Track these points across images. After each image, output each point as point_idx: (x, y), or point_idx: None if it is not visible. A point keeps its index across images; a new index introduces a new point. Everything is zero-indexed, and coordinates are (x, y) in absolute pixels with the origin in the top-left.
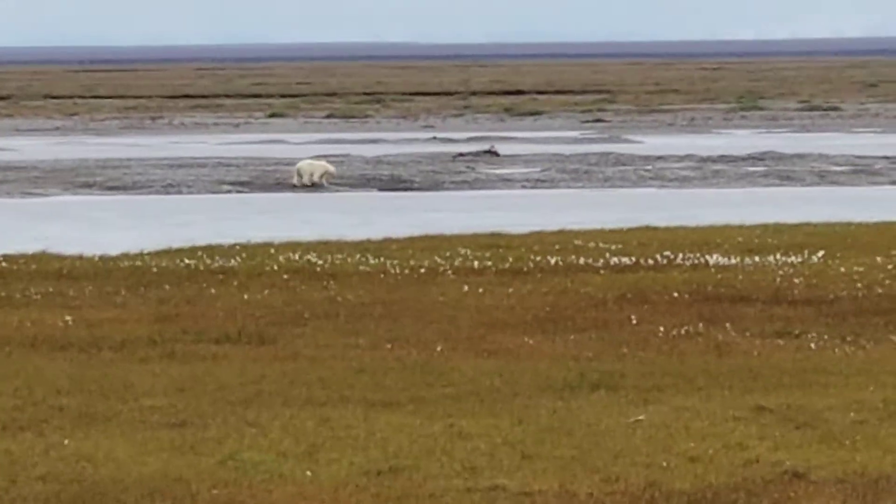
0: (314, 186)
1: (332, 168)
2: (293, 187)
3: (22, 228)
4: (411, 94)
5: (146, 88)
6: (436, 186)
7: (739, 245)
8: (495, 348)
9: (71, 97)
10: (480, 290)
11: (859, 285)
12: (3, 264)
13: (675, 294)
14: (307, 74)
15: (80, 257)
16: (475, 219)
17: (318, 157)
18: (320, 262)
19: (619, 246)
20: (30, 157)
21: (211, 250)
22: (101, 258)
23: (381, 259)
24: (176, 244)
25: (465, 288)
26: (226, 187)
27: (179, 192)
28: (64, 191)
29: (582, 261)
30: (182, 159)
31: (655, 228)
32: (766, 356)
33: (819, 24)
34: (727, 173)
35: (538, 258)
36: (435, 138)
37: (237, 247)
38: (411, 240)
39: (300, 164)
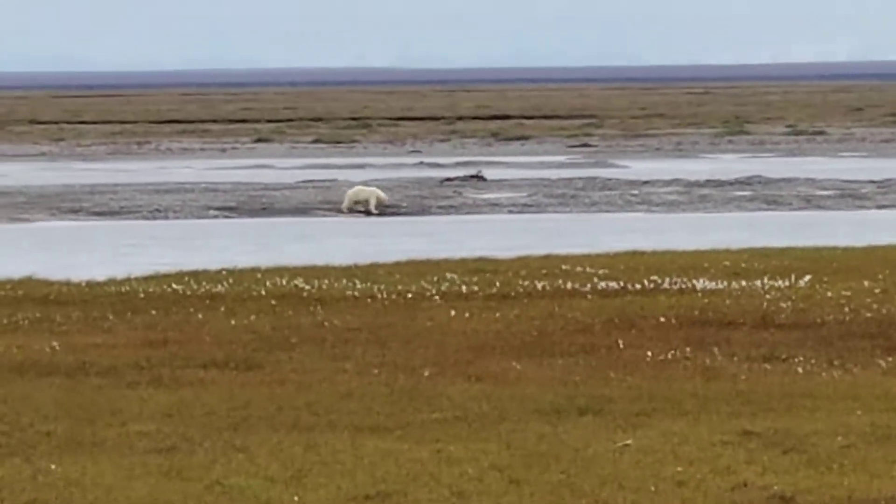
0: (366, 213)
1: (382, 194)
2: (340, 212)
3: (8, 254)
4: (398, 118)
5: (132, 114)
6: (423, 211)
7: (726, 269)
8: (483, 373)
9: (57, 122)
10: (468, 315)
11: (846, 309)
12: None
13: (663, 318)
14: (293, 99)
15: (67, 283)
16: (462, 244)
17: (367, 183)
18: (307, 286)
19: (607, 271)
20: (16, 182)
21: (198, 275)
22: (88, 283)
23: (369, 284)
24: (163, 269)
25: (453, 313)
26: (213, 212)
27: (166, 218)
28: (51, 216)
29: (569, 285)
30: (169, 185)
31: (643, 253)
32: (754, 380)
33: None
34: (714, 198)
35: (525, 283)
36: (422, 163)
37: (224, 272)
38: (398, 265)
39: (350, 191)
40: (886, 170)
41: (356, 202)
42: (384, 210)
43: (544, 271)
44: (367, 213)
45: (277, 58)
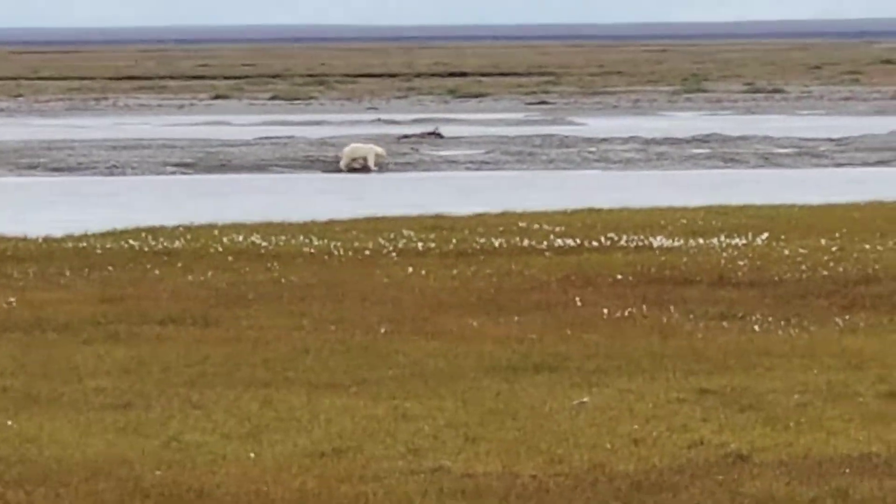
0: (364, 170)
1: (380, 149)
2: (340, 170)
3: None
4: (355, 76)
5: (90, 70)
6: (380, 168)
7: (683, 227)
8: (439, 330)
9: (15, 79)
10: (424, 273)
11: (803, 267)
12: None
13: (619, 276)
14: (251, 56)
15: (24, 238)
16: (419, 200)
17: (365, 141)
18: (264, 243)
19: (563, 228)
20: None
21: (155, 232)
22: (45, 239)
23: (325, 241)
24: (120, 225)
25: (409, 270)
26: (170, 169)
27: (124, 174)
28: (8, 172)
29: (526, 243)
30: (126, 141)
31: (599, 210)
32: (710, 338)
33: (764, 7)
34: (671, 155)
35: (482, 240)
36: (379, 120)
37: (181, 228)
38: (355, 221)
39: (347, 149)
40: (844, 128)
41: (353, 159)
42: (384, 166)
43: (501, 229)
44: (366, 169)
45: (236, 14)
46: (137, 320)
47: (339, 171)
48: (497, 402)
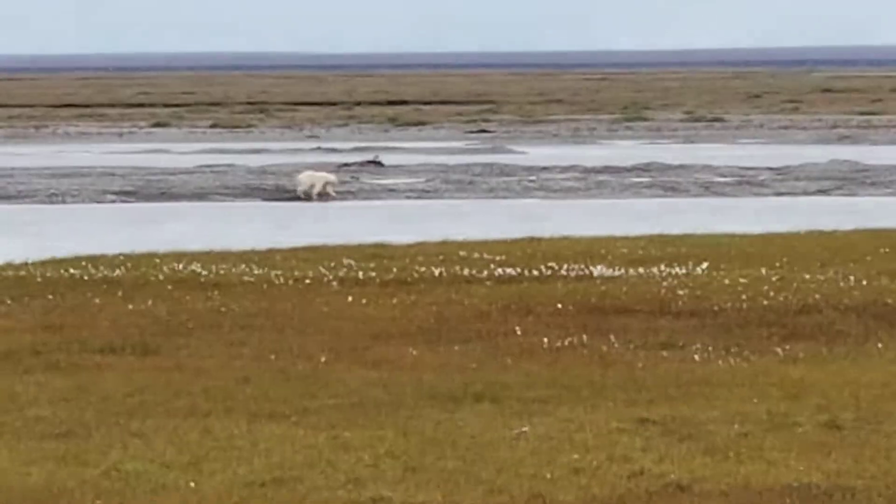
0: (320, 197)
1: (332, 177)
2: (299, 198)
3: None
4: (295, 104)
5: (29, 97)
6: (320, 196)
7: (624, 256)
8: (379, 359)
9: None
10: (364, 301)
11: (744, 297)
12: None
13: (560, 305)
14: (191, 84)
15: None
16: (360, 229)
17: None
18: (205, 272)
19: (504, 257)
20: None
21: (95, 260)
22: None
23: (266, 269)
24: (60, 254)
25: (350, 298)
26: (110, 197)
27: (64, 202)
28: None
29: (466, 272)
30: (66, 169)
31: (540, 239)
32: (651, 368)
33: (704, 35)
34: (612, 184)
35: (422, 269)
36: (319, 148)
37: (121, 256)
38: (295, 250)
39: (300, 176)
40: (784, 157)
41: (312, 185)
42: (331, 195)
43: (441, 257)
44: (326, 195)
45: (175, 42)
46: (77, 349)
47: (294, 198)
48: (437, 431)
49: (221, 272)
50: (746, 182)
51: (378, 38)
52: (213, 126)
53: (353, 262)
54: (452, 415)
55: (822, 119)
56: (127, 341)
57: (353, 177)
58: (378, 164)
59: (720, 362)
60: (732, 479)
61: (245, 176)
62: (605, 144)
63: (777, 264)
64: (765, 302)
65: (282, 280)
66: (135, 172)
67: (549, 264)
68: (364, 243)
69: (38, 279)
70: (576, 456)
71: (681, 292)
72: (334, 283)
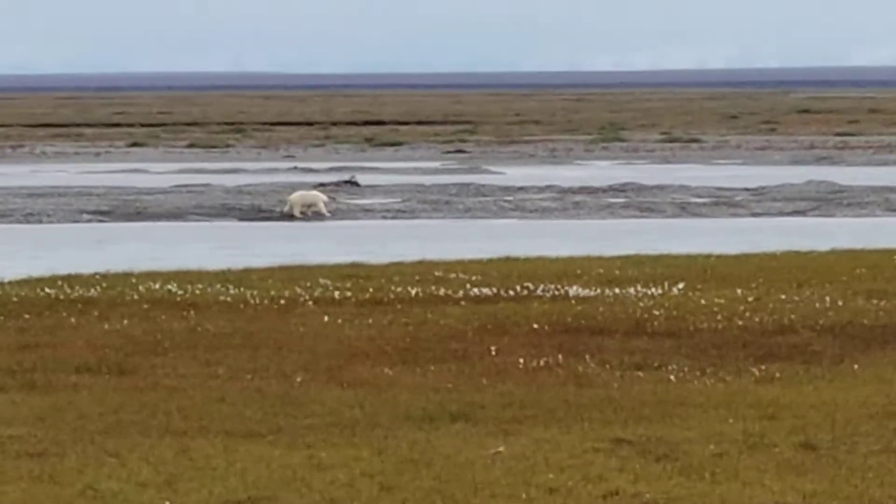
0: (316, 216)
1: (324, 197)
2: (291, 217)
3: None
4: (272, 123)
5: (6, 117)
6: (296, 216)
7: (600, 276)
8: (355, 379)
9: None
10: (340, 321)
11: (719, 317)
12: None
13: (535, 325)
14: (168, 104)
15: None
16: (336, 249)
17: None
18: (180, 291)
19: (480, 277)
20: None
21: (71, 280)
22: None
23: (241, 289)
24: (36, 273)
25: (325, 318)
26: (86, 216)
27: (40, 221)
28: None
29: (442, 291)
30: (42, 188)
31: (516, 259)
32: (626, 388)
33: (680, 55)
34: (588, 204)
35: (398, 289)
36: (295, 168)
37: (97, 276)
38: (271, 270)
39: (291, 196)
40: (760, 177)
41: (308, 206)
42: (325, 214)
43: (417, 277)
44: (319, 215)
45: (153, 62)
46: (53, 368)
47: (273, 217)
48: (412, 451)
49: (197, 292)
50: (723, 203)
51: (356, 59)
52: (190, 146)
53: (328, 282)
54: (428, 435)
55: (798, 140)
56: (102, 361)
57: (329, 197)
58: (354, 184)
59: (696, 382)
60: (708, 500)
61: (221, 196)
62: (581, 165)
63: (753, 285)
64: (741, 322)
65: (257, 300)
66: (111, 192)
67: (525, 284)
68: (340, 263)
69: (14, 298)
70: (551, 476)
71: (657, 313)
72: (310, 303)
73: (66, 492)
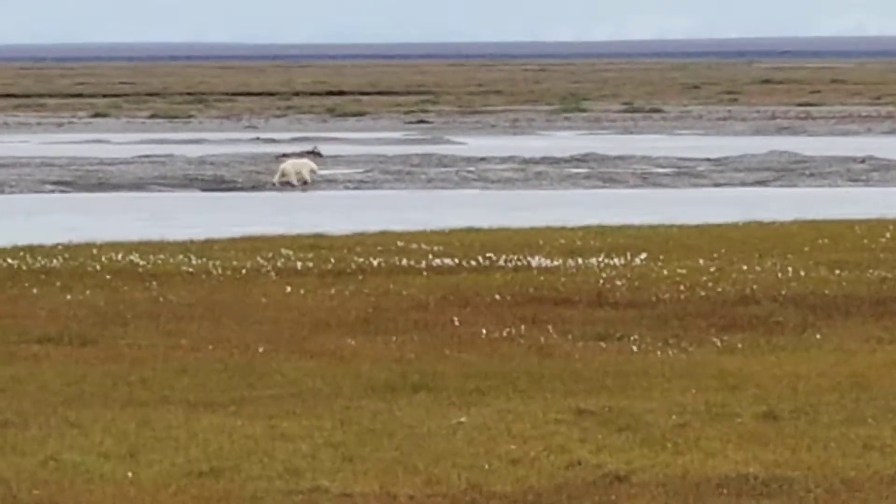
0: (305, 185)
1: (314, 165)
2: (273, 185)
3: None
4: (234, 94)
5: None
6: (259, 187)
7: (562, 247)
8: (317, 350)
9: None
10: (302, 292)
11: (682, 288)
12: None
13: (497, 296)
14: (130, 74)
15: None
16: (298, 220)
17: (301, 155)
18: (143, 262)
19: (442, 247)
20: None
21: (33, 250)
22: None
23: (204, 260)
24: None
25: (288, 289)
26: (49, 187)
27: (2, 192)
28: None
29: (404, 262)
30: (4, 159)
31: (478, 230)
32: (588, 359)
33: (641, 26)
34: (550, 175)
35: (360, 259)
36: (258, 139)
37: (59, 247)
38: (233, 241)
39: (284, 166)
40: (722, 148)
41: (297, 173)
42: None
43: (380, 248)
44: (304, 183)
45: (115, 33)
46: (15, 339)
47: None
48: (375, 421)
49: (159, 262)
50: (685, 173)
51: (319, 30)
52: (152, 116)
53: (291, 253)
54: (390, 405)
55: (760, 110)
56: (65, 331)
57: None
58: (317, 154)
59: (658, 353)
60: (670, 470)
61: (184, 166)
62: (543, 135)
63: (715, 255)
64: (703, 293)
65: (220, 271)
66: (73, 163)
67: (487, 255)
68: (302, 234)
69: None
70: (513, 446)
71: (619, 283)
72: (272, 274)
73: (28, 462)
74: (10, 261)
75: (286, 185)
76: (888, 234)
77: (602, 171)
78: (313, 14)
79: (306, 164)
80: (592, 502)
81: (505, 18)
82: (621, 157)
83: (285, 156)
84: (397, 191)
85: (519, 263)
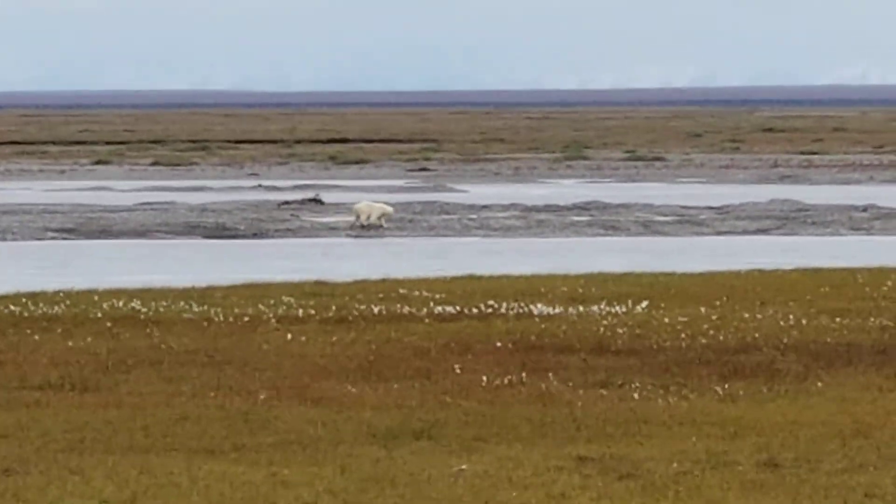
0: (370, 227)
1: (389, 209)
2: (352, 227)
3: None
4: (236, 141)
5: None
6: (260, 234)
7: (563, 294)
8: (318, 397)
9: None
10: (304, 339)
11: (683, 335)
12: None
13: (499, 343)
14: (132, 121)
15: None
16: (299, 266)
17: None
18: (144, 309)
19: (443, 295)
20: None
21: (35, 297)
22: None
23: (205, 307)
24: (0, 291)
25: (289, 336)
26: (51, 234)
27: (4, 239)
28: None
29: (406, 309)
30: (7, 206)
31: (480, 277)
32: (589, 406)
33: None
34: (552, 223)
35: (362, 307)
36: (260, 186)
37: (61, 293)
38: (235, 287)
39: (358, 206)
40: (724, 196)
41: (372, 215)
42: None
43: (381, 295)
44: (370, 226)
45: (120, 80)
46: (17, 385)
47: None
48: (376, 469)
49: (161, 309)
50: (687, 221)
51: (322, 76)
52: (155, 163)
53: (292, 300)
54: (391, 452)
55: (762, 158)
56: (66, 378)
57: (293, 214)
58: (318, 202)
59: (659, 401)
60: None
61: (185, 214)
62: (545, 183)
63: (717, 303)
64: (704, 341)
65: (221, 317)
66: (75, 210)
67: (489, 302)
68: (304, 281)
69: None
70: (514, 494)
71: (620, 331)
72: (273, 321)
73: None
74: (12, 307)
75: (363, 226)
76: (890, 283)
77: (604, 219)
78: (316, 61)
79: (380, 209)
80: None
81: (509, 66)
82: (623, 205)
83: (287, 203)
84: (399, 238)
85: (520, 311)
